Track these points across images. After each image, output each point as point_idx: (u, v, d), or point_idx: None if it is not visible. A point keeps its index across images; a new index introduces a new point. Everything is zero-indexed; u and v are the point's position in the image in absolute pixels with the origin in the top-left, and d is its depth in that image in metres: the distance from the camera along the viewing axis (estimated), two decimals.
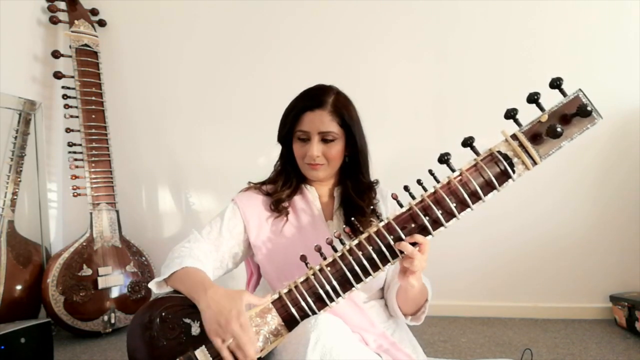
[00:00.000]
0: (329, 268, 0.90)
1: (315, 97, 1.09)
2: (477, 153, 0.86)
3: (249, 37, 2.42)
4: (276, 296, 0.90)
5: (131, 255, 2.26)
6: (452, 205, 0.85)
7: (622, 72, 2.08)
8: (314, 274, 0.90)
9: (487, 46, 2.21)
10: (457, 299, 2.27)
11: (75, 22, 2.31)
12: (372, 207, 1.07)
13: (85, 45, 2.31)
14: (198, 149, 2.53)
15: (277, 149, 1.20)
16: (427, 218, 0.87)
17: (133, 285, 2.21)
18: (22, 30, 2.30)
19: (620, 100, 2.07)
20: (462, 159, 0.88)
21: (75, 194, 2.22)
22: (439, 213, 0.86)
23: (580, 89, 0.82)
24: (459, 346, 1.86)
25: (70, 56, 2.28)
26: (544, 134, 0.82)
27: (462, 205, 0.86)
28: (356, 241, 0.90)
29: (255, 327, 0.88)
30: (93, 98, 2.28)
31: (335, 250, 0.91)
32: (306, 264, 0.92)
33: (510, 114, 0.83)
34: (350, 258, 0.88)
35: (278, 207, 1.13)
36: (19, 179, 2.15)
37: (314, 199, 1.16)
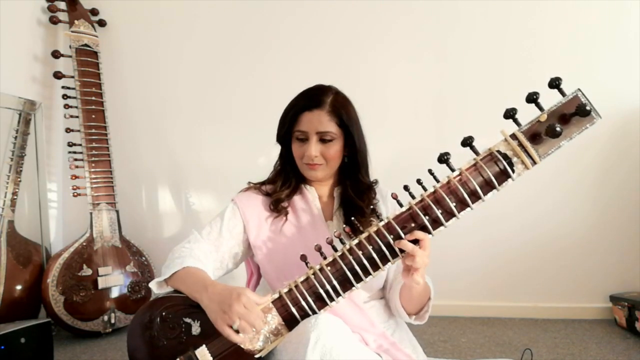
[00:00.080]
0: (329, 267, 0.90)
1: (314, 97, 1.09)
2: (476, 153, 0.86)
3: (249, 37, 2.42)
4: (276, 295, 0.90)
5: (131, 255, 2.26)
6: (452, 205, 0.86)
7: (622, 72, 2.08)
8: (314, 274, 0.90)
9: (487, 46, 2.21)
10: (457, 299, 2.27)
11: (75, 22, 2.31)
12: (372, 207, 1.07)
13: (85, 45, 2.31)
14: (198, 149, 2.53)
15: (277, 148, 1.20)
16: (427, 217, 0.87)
17: (133, 285, 2.21)
18: (22, 30, 2.30)
19: (620, 100, 2.07)
20: (462, 158, 0.88)
21: (75, 194, 2.22)
22: (438, 212, 0.86)
23: (579, 89, 0.82)
24: (459, 346, 1.86)
25: (70, 56, 2.28)
26: (543, 133, 0.82)
27: (462, 205, 0.86)
28: (356, 241, 0.90)
29: None
30: (93, 98, 2.28)
31: (336, 250, 0.91)
32: (306, 264, 0.92)
33: (510, 114, 0.83)
34: (351, 257, 0.89)
35: (277, 206, 1.13)
36: (19, 179, 2.15)
37: (314, 199, 1.16)
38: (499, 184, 0.85)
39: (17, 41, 2.25)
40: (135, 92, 2.54)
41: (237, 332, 0.86)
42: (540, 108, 0.83)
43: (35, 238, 2.22)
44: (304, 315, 0.89)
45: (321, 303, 0.89)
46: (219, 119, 2.50)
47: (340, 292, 0.89)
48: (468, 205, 0.86)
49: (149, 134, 2.55)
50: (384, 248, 0.88)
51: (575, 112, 0.81)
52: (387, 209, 1.16)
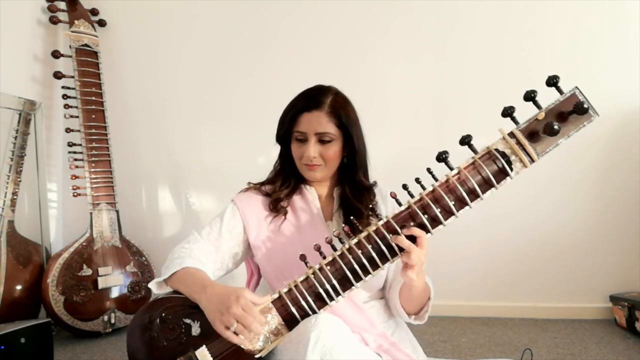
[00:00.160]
0: (328, 267, 0.90)
1: (313, 98, 1.09)
2: (474, 151, 0.86)
3: (249, 37, 2.42)
4: (276, 295, 0.90)
5: (131, 255, 2.26)
6: (451, 204, 0.86)
7: (622, 72, 2.08)
8: (313, 273, 0.90)
9: (487, 46, 2.21)
10: (457, 299, 2.27)
11: (75, 22, 2.31)
12: (371, 206, 1.07)
13: (85, 45, 2.31)
14: (198, 149, 2.53)
15: (277, 148, 1.20)
16: (426, 216, 0.87)
17: (133, 285, 2.21)
18: (22, 30, 2.30)
19: (620, 100, 2.07)
20: (461, 157, 0.89)
21: (75, 194, 2.22)
22: (437, 211, 0.86)
23: (576, 87, 0.83)
24: (459, 346, 1.86)
25: (70, 56, 2.28)
26: (541, 131, 0.82)
27: (461, 203, 0.86)
28: (355, 240, 0.90)
29: None
30: (93, 98, 2.29)
31: (335, 250, 0.91)
32: (306, 263, 0.92)
33: (507, 112, 0.83)
34: (350, 257, 0.88)
35: (276, 206, 1.13)
36: (19, 179, 2.15)
37: (314, 199, 1.16)
38: (498, 183, 0.85)
39: (17, 41, 2.26)
40: (135, 92, 2.54)
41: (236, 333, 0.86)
42: (538, 106, 0.84)
43: (35, 238, 2.22)
44: (304, 315, 0.89)
45: (321, 303, 0.89)
46: (219, 119, 2.50)
47: (340, 291, 0.89)
48: (467, 204, 0.86)
49: (149, 134, 2.55)
50: (383, 247, 0.88)
51: (573, 110, 0.81)
52: (387, 209, 1.15)
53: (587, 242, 2.15)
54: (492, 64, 2.21)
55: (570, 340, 1.87)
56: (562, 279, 2.19)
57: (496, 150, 0.85)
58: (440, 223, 0.87)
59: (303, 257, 0.92)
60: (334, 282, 0.89)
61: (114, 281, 2.15)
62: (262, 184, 1.20)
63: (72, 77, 2.26)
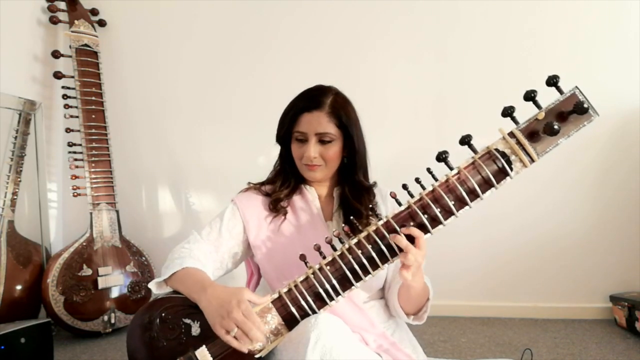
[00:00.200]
0: (328, 267, 0.90)
1: (313, 98, 1.09)
2: (474, 151, 0.86)
3: (249, 37, 2.42)
4: (276, 295, 0.90)
5: (131, 255, 2.26)
6: (451, 203, 0.86)
7: (622, 72, 2.08)
8: (313, 273, 0.90)
9: (487, 46, 2.21)
10: (457, 299, 2.27)
11: (75, 22, 2.31)
12: (371, 206, 1.07)
13: (85, 45, 2.31)
14: (198, 149, 2.53)
15: (277, 148, 1.20)
16: (426, 216, 0.87)
17: (133, 285, 2.21)
18: (22, 30, 2.30)
19: (620, 100, 2.07)
20: (461, 157, 0.88)
21: (75, 194, 2.22)
22: (437, 211, 0.86)
23: (576, 86, 0.83)
24: (459, 346, 1.86)
25: (70, 56, 2.28)
26: (541, 131, 0.82)
27: (461, 203, 0.86)
28: (355, 240, 0.90)
29: None
30: (93, 98, 2.29)
31: (335, 249, 0.91)
32: (305, 263, 0.92)
33: (507, 112, 0.83)
34: (350, 257, 0.88)
35: (276, 206, 1.13)
36: (19, 179, 2.15)
37: (314, 199, 1.16)
38: (498, 182, 0.85)
39: (17, 41, 2.26)
40: (135, 92, 2.54)
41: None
42: (538, 106, 0.83)
43: (35, 238, 2.22)
44: (304, 314, 0.89)
45: (321, 302, 0.89)
46: (219, 119, 2.50)
47: (340, 291, 0.89)
48: (467, 204, 0.86)
49: (149, 134, 2.55)
50: (383, 247, 0.88)
51: (573, 110, 0.81)
52: (387, 209, 1.15)
53: (587, 242, 2.15)
54: (492, 64, 2.21)
55: (570, 340, 1.87)
56: (562, 279, 2.19)
57: (496, 150, 0.85)
58: (440, 223, 0.87)
59: (303, 257, 0.92)
60: (334, 282, 0.89)
61: (114, 281, 2.15)
62: (262, 184, 1.20)
63: (72, 77, 2.26)
